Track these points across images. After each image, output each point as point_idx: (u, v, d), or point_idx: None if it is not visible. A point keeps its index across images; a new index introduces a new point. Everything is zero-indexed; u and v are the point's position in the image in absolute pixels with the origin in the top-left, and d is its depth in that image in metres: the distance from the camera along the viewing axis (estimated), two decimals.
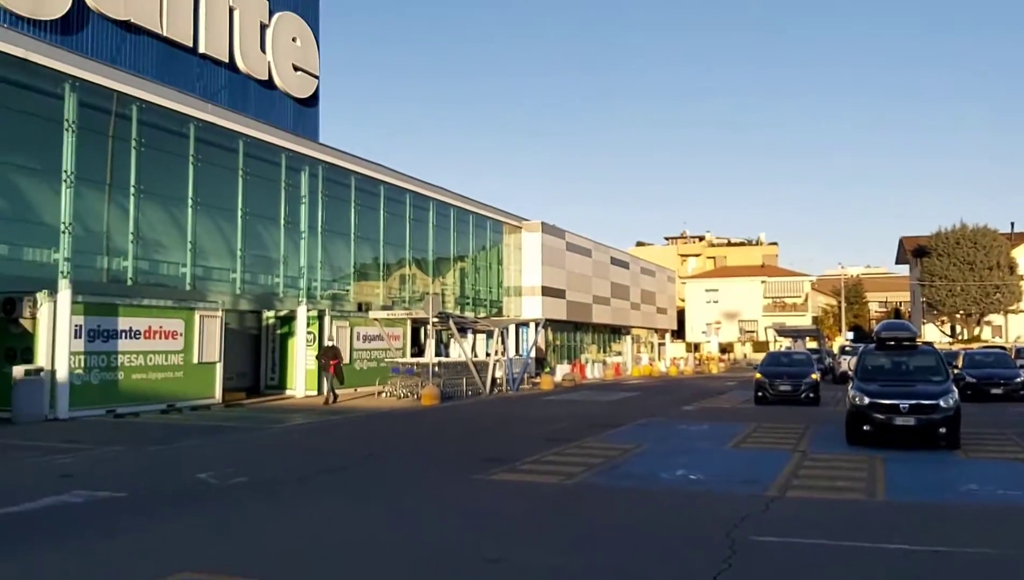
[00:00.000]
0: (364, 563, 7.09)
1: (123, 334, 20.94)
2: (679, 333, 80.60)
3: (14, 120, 18.64)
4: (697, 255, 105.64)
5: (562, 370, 41.50)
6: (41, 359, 19.09)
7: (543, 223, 46.43)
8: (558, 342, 49.78)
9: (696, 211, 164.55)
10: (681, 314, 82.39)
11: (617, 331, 60.44)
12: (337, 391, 25.68)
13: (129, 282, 21.54)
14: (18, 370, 18.56)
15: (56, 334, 19.26)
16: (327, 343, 27.01)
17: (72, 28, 23.73)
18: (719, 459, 13.68)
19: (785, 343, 49.99)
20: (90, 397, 19.96)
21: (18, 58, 18.56)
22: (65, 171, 19.61)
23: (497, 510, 9.52)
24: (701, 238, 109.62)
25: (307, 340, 28.34)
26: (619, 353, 59.92)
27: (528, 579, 6.63)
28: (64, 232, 19.55)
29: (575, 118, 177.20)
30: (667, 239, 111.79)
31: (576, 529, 8.46)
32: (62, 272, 19.45)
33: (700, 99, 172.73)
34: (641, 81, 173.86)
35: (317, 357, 26.94)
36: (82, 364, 19.84)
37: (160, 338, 22.04)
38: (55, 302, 19.31)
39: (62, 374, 19.19)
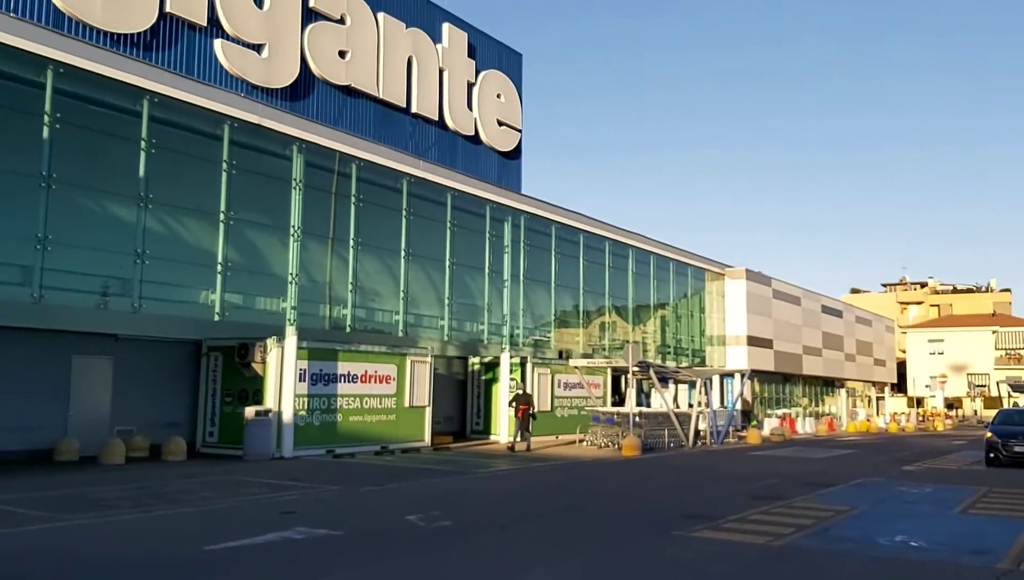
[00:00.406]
0: None
1: (342, 378, 22.26)
2: (899, 386, 75.36)
3: (249, 180, 20.47)
4: (919, 303, 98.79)
5: (770, 424, 39.84)
6: (269, 401, 20.62)
7: (747, 270, 45.16)
8: (765, 394, 47.95)
9: (917, 256, 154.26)
10: (901, 366, 77.09)
11: (830, 383, 57.40)
12: (524, 438, 25.43)
13: (348, 329, 22.91)
14: (249, 411, 20.15)
15: (283, 377, 20.76)
16: (518, 390, 27.07)
17: (300, 94, 25.87)
18: (944, 525, 12.58)
19: (1021, 399, 45.51)
20: (312, 437, 21.29)
21: (253, 124, 20.45)
22: (292, 226, 21.27)
23: (698, 570, 9.20)
24: (923, 285, 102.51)
25: (510, 386, 28.90)
26: (833, 407, 56.81)
27: None
28: (291, 282, 21.14)
29: (779, 161, 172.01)
30: (885, 286, 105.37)
31: None
32: (289, 319, 20.99)
33: (915, 132, 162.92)
34: (846, 121, 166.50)
35: (509, 403, 27.18)
36: (305, 406, 21.24)
37: (375, 382, 23.23)
38: (283, 347, 20.85)
39: (288, 415, 20.62)
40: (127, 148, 17.98)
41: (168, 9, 21.97)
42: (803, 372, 51.08)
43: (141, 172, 18.02)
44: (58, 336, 19.20)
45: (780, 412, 45.70)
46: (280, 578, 8.11)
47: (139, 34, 21.41)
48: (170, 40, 22.26)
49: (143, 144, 18.08)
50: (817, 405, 54.74)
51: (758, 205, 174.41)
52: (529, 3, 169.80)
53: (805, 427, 44.27)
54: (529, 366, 29.39)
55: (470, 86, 32.74)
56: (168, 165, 18.67)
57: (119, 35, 20.96)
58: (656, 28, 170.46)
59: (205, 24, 22.99)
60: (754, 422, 40.45)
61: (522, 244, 29.82)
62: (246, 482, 15.77)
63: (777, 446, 32.27)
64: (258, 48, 24.49)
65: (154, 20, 21.68)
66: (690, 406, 33.24)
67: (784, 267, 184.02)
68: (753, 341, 44.43)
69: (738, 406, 39.22)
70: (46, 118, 16.49)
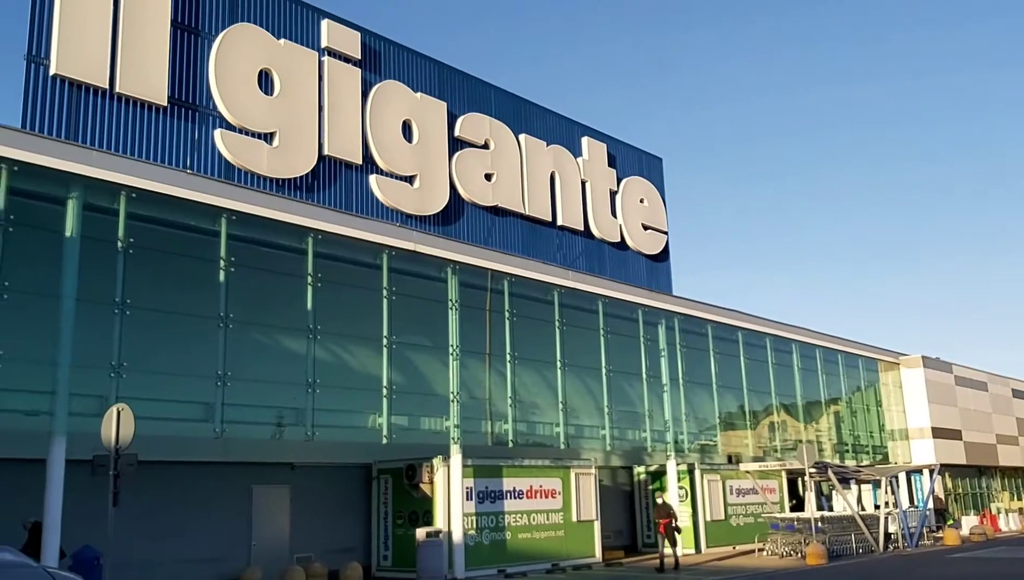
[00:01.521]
0: None
1: (508, 495, 22.11)
2: None
3: (408, 305, 21.14)
4: None
5: (968, 522, 36.55)
6: (439, 521, 20.66)
7: (924, 357, 42.44)
8: (959, 490, 44.19)
9: None
10: None
11: None
12: (674, 554, 23.11)
13: (510, 444, 22.87)
14: (420, 532, 20.22)
15: (451, 497, 20.80)
16: (659, 501, 24.27)
17: (451, 219, 26.82)
18: None
19: None
20: (482, 557, 21.07)
21: (409, 251, 21.28)
22: (451, 345, 21.70)
23: None
24: None
25: (679, 495, 27.85)
26: None
27: None
28: (453, 401, 21.41)
29: (947, 238, 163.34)
30: None
31: None
32: (453, 438, 21.17)
33: None
34: (1015, 187, 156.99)
35: (654, 519, 24.61)
36: (474, 525, 21.14)
37: (540, 497, 22.93)
38: (448, 467, 20.98)
39: (457, 535, 20.55)
40: (295, 283, 19.00)
41: (327, 152, 23.47)
42: (999, 463, 46.89)
43: (309, 305, 18.95)
44: (239, 468, 20.06)
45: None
46: None
47: (301, 177, 22.90)
48: (329, 180, 23.69)
49: (309, 279, 19.07)
50: (1020, 499, 49.93)
51: (929, 287, 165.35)
52: (669, 97, 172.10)
53: (1009, 524, 40.37)
54: (697, 473, 28.33)
55: (612, 194, 33.06)
56: (333, 296, 19.56)
57: (283, 180, 22.48)
58: (801, 106, 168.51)
59: (360, 162, 24.37)
60: (950, 521, 37.22)
61: (678, 346, 29.23)
62: None
63: (979, 546, 29.48)
64: (410, 179, 25.69)
65: (314, 163, 23.18)
66: (876, 507, 30.98)
67: (962, 351, 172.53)
68: (939, 433, 41.29)
69: (930, 504, 36.23)
70: (222, 263, 17.69)
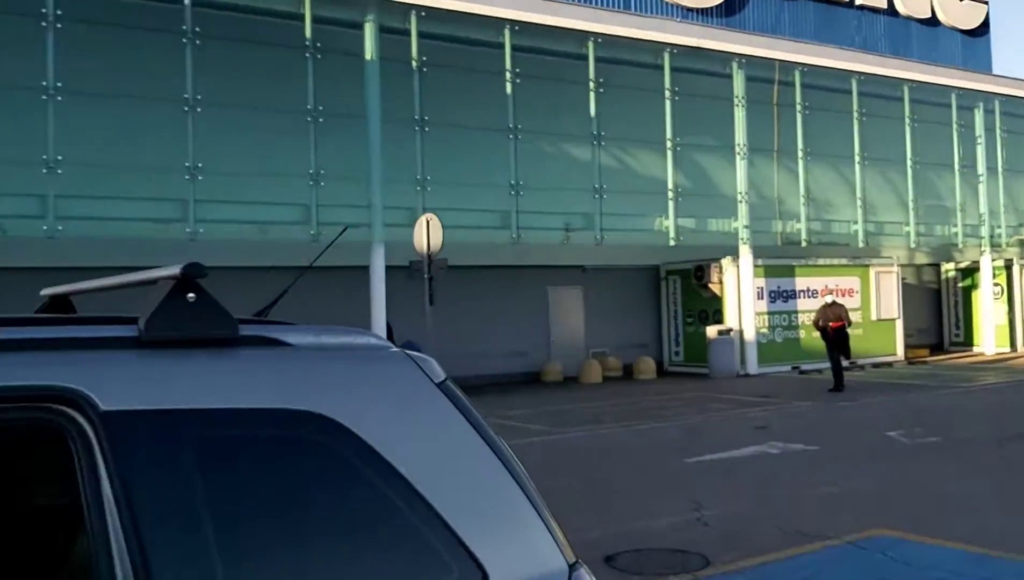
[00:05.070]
0: None
1: (801, 294, 21.73)
2: None
3: (690, 104, 20.52)
4: None
5: None
6: (729, 320, 20.84)
7: None
8: None
9: None
10: None
11: None
12: (844, 364, 17.98)
13: (803, 243, 22.17)
14: (711, 330, 20.59)
15: (741, 296, 20.82)
16: (827, 300, 18.60)
17: (734, 8, 25.20)
18: None
19: None
20: (774, 354, 21.15)
21: (691, 47, 20.44)
22: (737, 144, 21.00)
23: None
24: None
25: (994, 293, 25.80)
26: None
27: None
28: (740, 201, 20.97)
29: None
30: None
31: None
32: (742, 238, 20.90)
33: None
34: None
35: (815, 322, 18.73)
36: (766, 323, 21.14)
37: (836, 296, 22.25)
38: (738, 267, 20.87)
39: (749, 333, 20.67)
40: (577, 90, 19.08)
41: None
42: None
43: (592, 112, 19.06)
44: (533, 271, 21.26)
45: None
46: (762, 490, 8.21)
47: None
48: None
49: (591, 84, 19.06)
50: None
51: None
52: None
53: None
54: (1016, 269, 25.93)
55: None
56: (615, 101, 19.47)
57: None
58: None
59: None
60: None
61: (998, 132, 26.13)
62: (715, 398, 16.20)
63: None
64: None
65: None
66: None
67: None
68: None
69: None
70: (507, 75, 18.12)
